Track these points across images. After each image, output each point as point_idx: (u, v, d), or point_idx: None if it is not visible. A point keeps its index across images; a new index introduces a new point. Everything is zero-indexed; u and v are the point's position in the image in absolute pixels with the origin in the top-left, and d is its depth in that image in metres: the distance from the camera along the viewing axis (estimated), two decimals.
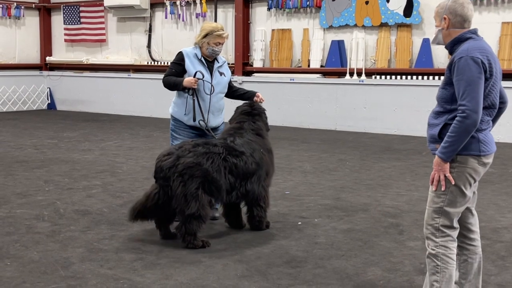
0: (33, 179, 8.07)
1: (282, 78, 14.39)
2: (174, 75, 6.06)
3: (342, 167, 9.18)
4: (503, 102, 3.80)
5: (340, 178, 8.35)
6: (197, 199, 5.20)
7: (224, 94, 6.28)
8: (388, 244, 5.45)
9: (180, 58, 6.10)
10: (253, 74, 14.87)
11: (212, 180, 5.30)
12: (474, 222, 3.94)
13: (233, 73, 14.85)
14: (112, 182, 7.95)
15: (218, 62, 6.19)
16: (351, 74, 13.50)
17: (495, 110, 3.72)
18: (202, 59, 6.07)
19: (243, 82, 14.69)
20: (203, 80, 5.97)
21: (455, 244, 3.78)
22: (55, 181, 7.99)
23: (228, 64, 14.99)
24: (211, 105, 6.06)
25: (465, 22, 3.72)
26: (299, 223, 6.11)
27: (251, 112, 5.95)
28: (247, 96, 6.31)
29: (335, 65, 13.76)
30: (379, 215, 6.46)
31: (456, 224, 3.76)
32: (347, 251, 5.26)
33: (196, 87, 5.93)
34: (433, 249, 3.76)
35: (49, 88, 18.38)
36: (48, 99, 18.42)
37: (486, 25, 11.87)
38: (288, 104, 14.24)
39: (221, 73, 6.18)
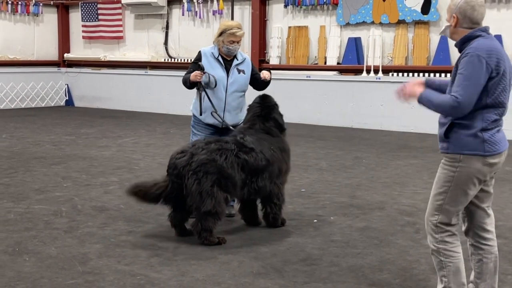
0: (51, 175, 8.15)
1: (298, 75, 14.37)
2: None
3: (358, 164, 9.16)
4: None
5: (356, 176, 8.34)
6: (213, 196, 5.20)
7: (244, 93, 6.21)
8: (404, 243, 5.44)
9: (197, 58, 6.13)
10: (269, 71, 14.83)
11: (228, 176, 5.30)
12: (490, 222, 3.91)
13: None
14: (129, 179, 7.99)
15: (238, 60, 6.14)
16: (368, 72, 13.45)
17: (504, 109, 3.70)
18: (220, 58, 6.06)
19: None
20: (208, 74, 5.95)
21: (456, 237, 3.80)
22: (72, 177, 8.06)
23: None
24: (226, 103, 6.06)
25: (474, 24, 3.72)
26: (315, 220, 6.12)
27: (261, 113, 5.90)
28: (263, 81, 6.24)
29: (352, 63, 13.72)
30: (396, 213, 6.44)
31: (454, 221, 3.78)
32: (363, 249, 5.25)
33: (200, 80, 5.92)
34: (435, 246, 3.81)
35: (67, 85, 18.51)
36: (66, 95, 18.55)
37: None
38: (304, 101, 14.22)
39: (240, 71, 6.12)
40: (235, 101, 6.12)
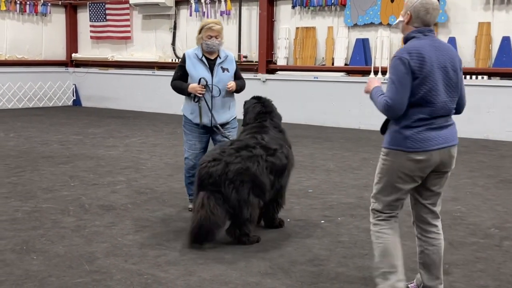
0: (58, 175, 8.17)
1: (306, 76, 14.36)
2: (179, 78, 6.25)
3: (365, 165, 9.14)
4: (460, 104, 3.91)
5: (363, 177, 8.32)
6: (249, 204, 5.24)
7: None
8: (411, 244, 5.39)
9: (182, 60, 6.26)
10: (276, 72, 14.86)
11: (260, 183, 5.33)
12: (433, 217, 4.01)
13: (256, 70, 14.91)
14: (137, 178, 8.01)
15: (220, 58, 6.19)
16: (376, 73, 13.42)
17: (432, 108, 3.74)
18: (203, 58, 6.14)
19: (266, 80, 14.70)
20: (207, 85, 6.09)
21: (388, 222, 3.97)
22: (80, 176, 8.08)
23: (252, 62, 14.97)
24: (213, 103, 6.14)
25: (424, 26, 3.82)
26: (322, 221, 6.11)
27: (266, 110, 5.94)
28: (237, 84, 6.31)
29: (360, 64, 13.70)
30: (403, 214, 6.36)
31: (386, 210, 3.97)
32: (370, 250, 5.20)
33: (201, 95, 6.07)
34: (371, 229, 4.04)
35: (75, 85, 18.57)
36: (73, 95, 18.61)
37: None
38: (311, 102, 14.20)
39: (224, 69, 6.18)
40: (221, 99, 6.18)
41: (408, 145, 3.76)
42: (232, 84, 6.14)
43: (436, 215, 4.02)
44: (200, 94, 6.07)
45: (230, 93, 6.24)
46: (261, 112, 5.92)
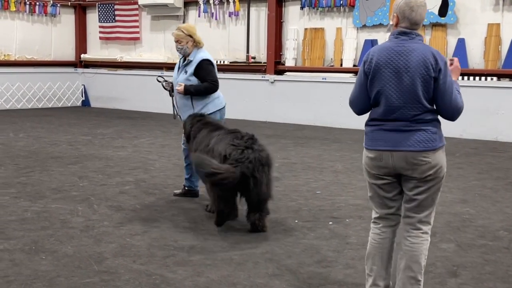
0: (67, 175, 8.20)
1: (314, 77, 14.35)
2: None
3: None
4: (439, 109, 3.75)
5: None
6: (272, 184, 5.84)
7: None
8: None
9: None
10: (285, 73, 14.85)
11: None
12: (410, 222, 3.89)
13: (265, 71, 14.90)
14: (145, 179, 8.03)
15: (186, 61, 6.75)
16: None
17: (382, 110, 3.75)
18: (180, 60, 6.83)
19: (275, 81, 14.70)
20: (160, 82, 7.21)
21: (375, 225, 3.99)
22: (89, 177, 8.11)
23: (260, 63, 15.14)
24: (176, 101, 6.93)
25: (412, 25, 3.78)
26: (330, 223, 6.10)
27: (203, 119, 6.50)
28: None
29: None
30: None
31: (374, 215, 3.98)
32: None
33: (167, 90, 7.09)
34: None
35: (84, 85, 18.63)
36: (82, 96, 18.67)
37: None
38: (320, 104, 14.19)
39: (185, 71, 6.71)
40: (182, 100, 6.77)
41: (365, 141, 3.92)
42: (179, 87, 6.65)
43: (414, 225, 3.86)
44: (166, 89, 7.10)
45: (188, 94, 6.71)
46: (204, 122, 6.42)
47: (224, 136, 5.89)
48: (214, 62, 6.81)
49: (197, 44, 6.70)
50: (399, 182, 3.85)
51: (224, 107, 6.89)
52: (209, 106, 6.72)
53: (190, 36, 6.64)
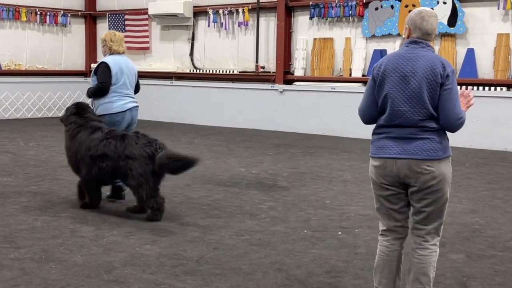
0: (77, 184, 8.20)
1: (323, 87, 14.36)
2: None
3: None
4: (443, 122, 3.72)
5: None
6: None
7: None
8: None
9: None
10: (294, 83, 14.88)
11: None
12: (419, 234, 3.88)
13: (274, 81, 14.94)
14: None
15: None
16: None
17: (388, 115, 3.78)
18: None
19: (284, 91, 14.72)
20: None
21: (383, 237, 3.98)
22: None
23: (269, 72, 15.34)
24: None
25: (424, 35, 3.80)
26: (339, 233, 6.10)
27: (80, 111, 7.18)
28: None
29: None
30: None
31: (381, 227, 3.98)
32: None
33: None
34: None
35: None
36: (92, 105, 18.68)
37: None
38: (329, 113, 14.20)
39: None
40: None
41: (371, 150, 3.94)
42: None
43: (422, 237, 3.86)
44: None
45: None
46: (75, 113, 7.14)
47: (120, 141, 6.63)
48: (115, 67, 7.24)
49: (112, 50, 7.35)
50: (406, 194, 3.85)
51: (117, 113, 7.46)
52: (100, 108, 7.42)
53: (105, 41, 7.38)
